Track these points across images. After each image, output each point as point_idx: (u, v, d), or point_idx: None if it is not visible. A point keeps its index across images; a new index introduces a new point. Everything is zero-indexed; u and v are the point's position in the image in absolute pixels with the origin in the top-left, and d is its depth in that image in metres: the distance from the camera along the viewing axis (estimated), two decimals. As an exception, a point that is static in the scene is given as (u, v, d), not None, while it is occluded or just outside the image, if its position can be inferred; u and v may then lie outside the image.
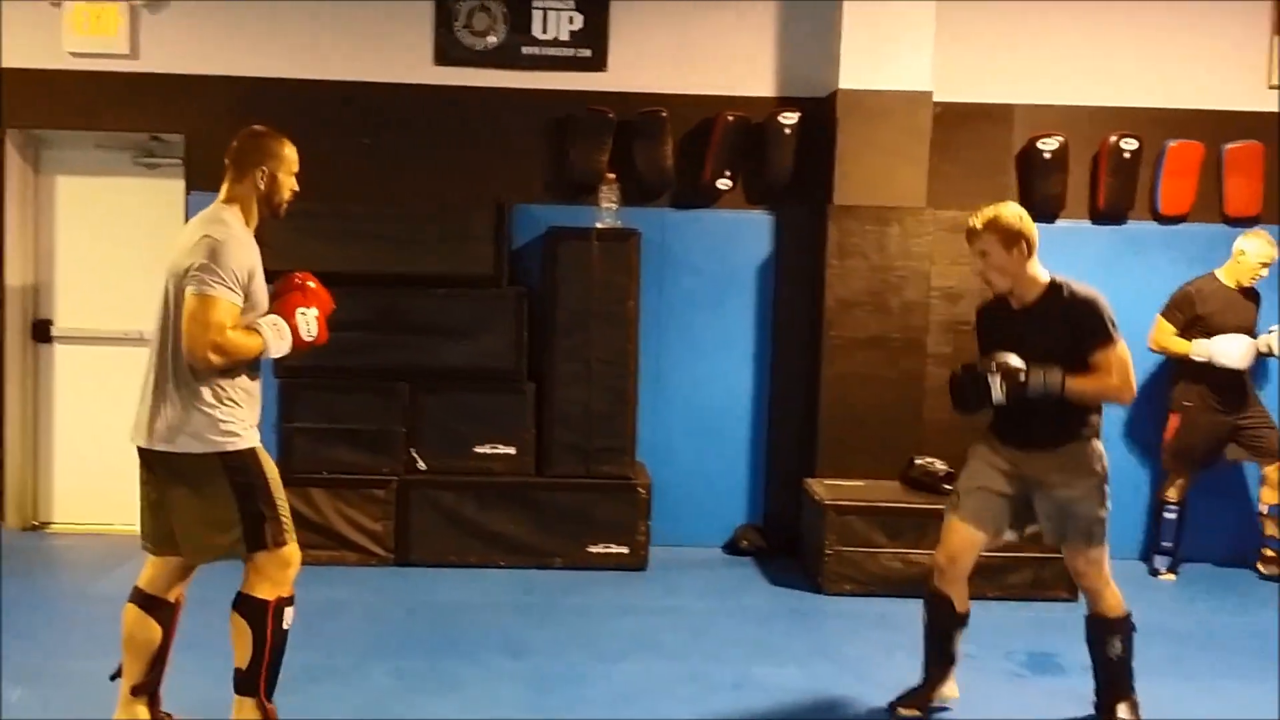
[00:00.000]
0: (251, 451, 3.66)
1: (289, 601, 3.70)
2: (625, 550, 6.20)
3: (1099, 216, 6.73)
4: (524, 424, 6.24)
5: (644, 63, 6.65)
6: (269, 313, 3.72)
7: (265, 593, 3.64)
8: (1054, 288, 4.09)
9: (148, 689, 3.82)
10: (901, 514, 5.90)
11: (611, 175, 6.38)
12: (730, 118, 6.52)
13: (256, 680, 3.65)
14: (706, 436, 6.75)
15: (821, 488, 6.12)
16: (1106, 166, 6.64)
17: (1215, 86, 6.72)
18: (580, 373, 6.22)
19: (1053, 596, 5.85)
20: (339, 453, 6.13)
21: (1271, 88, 6.74)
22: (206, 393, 3.55)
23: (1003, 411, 4.14)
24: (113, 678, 3.83)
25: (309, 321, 3.77)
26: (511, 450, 6.22)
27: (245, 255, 3.59)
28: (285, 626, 3.69)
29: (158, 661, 3.82)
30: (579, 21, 6.61)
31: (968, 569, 4.29)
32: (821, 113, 6.51)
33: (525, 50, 6.61)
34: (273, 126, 6.28)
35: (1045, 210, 6.62)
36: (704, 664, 4.85)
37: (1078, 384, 3.98)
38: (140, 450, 3.67)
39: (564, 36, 6.63)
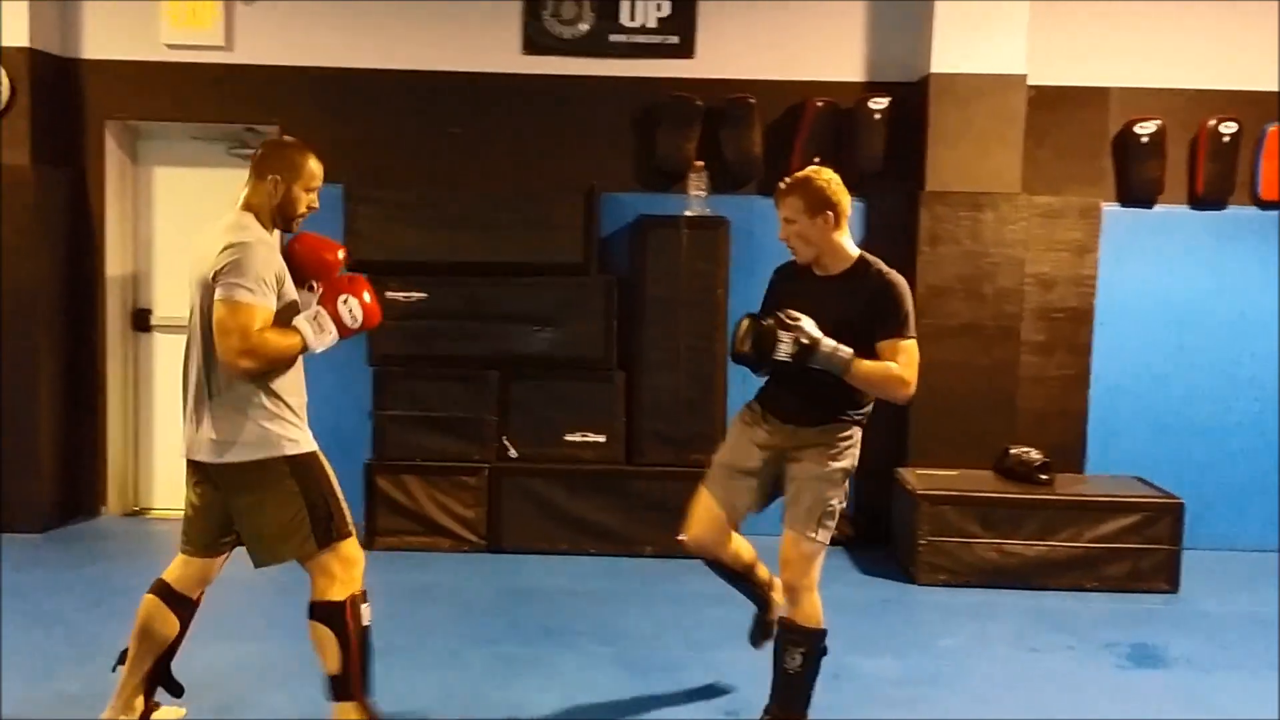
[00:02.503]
0: (314, 454, 3.63)
1: (363, 598, 3.65)
2: (715, 539, 6.18)
3: (1198, 202, 6.58)
4: (614, 412, 6.25)
5: (732, 49, 6.61)
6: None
7: (337, 594, 3.60)
8: (861, 263, 3.83)
9: (151, 681, 3.84)
10: (996, 504, 5.81)
11: (699, 163, 6.36)
12: (819, 104, 6.47)
13: (351, 683, 3.63)
14: (795, 425, 6.70)
15: (913, 477, 6.06)
16: (1205, 150, 6.49)
17: (1317, 68, 6.55)
18: (669, 361, 6.22)
19: (1152, 588, 5.74)
20: (431, 440, 6.19)
21: (1377, 69, 6.55)
22: (256, 399, 3.50)
23: (776, 379, 3.92)
24: (115, 667, 3.84)
25: (352, 309, 3.62)
26: (601, 438, 6.24)
27: (272, 259, 3.51)
28: (365, 623, 3.64)
29: (167, 655, 3.85)
30: (667, 8, 6.58)
31: (722, 540, 4.17)
32: (913, 97, 6.42)
33: (613, 38, 6.61)
34: (363, 116, 6.48)
35: (1143, 195, 6.52)
36: (799, 653, 4.81)
37: (864, 367, 3.70)
38: (195, 464, 3.63)
39: (652, 24, 6.61)
